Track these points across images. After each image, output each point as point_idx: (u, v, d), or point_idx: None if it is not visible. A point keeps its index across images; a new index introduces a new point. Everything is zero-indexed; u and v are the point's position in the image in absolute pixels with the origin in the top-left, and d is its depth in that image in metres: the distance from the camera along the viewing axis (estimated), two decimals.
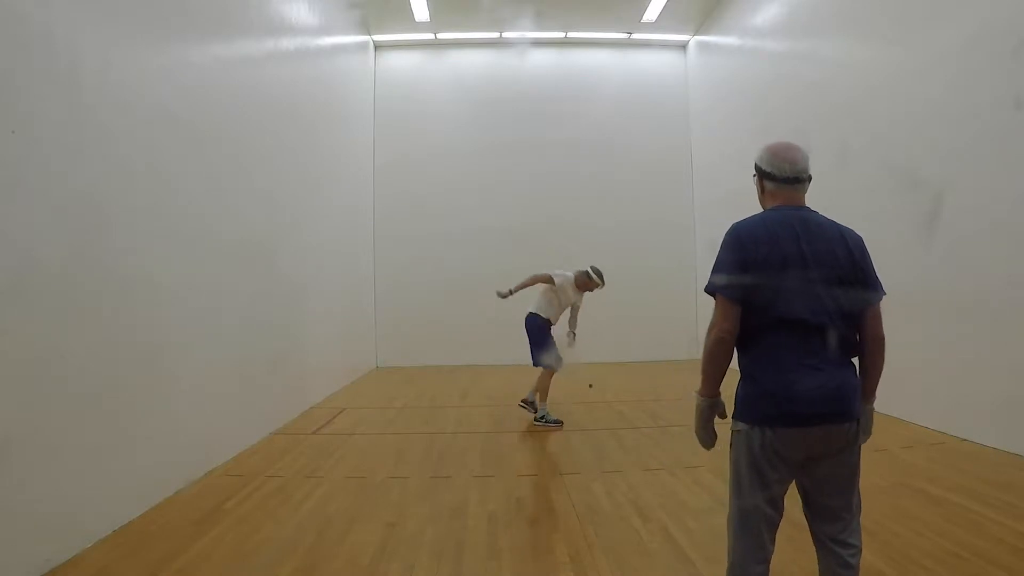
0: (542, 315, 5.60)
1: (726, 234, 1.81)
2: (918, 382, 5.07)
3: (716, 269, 1.77)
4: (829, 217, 1.86)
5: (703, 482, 3.70)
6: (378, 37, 10.39)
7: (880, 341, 1.79)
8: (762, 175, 1.90)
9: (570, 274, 5.71)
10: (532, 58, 10.69)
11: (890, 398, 5.35)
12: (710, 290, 1.76)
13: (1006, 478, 3.58)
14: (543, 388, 5.51)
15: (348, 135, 8.93)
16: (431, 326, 10.01)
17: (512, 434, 5.26)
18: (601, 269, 5.71)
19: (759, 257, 1.71)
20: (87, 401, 2.91)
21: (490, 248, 10.28)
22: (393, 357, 10.09)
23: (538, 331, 5.55)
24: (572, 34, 10.47)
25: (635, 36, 10.49)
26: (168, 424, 3.60)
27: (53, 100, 2.78)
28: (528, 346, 5.55)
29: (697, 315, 10.33)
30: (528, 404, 5.56)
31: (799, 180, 1.84)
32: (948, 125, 4.68)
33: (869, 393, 1.81)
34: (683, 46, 10.82)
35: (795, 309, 1.66)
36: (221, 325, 4.37)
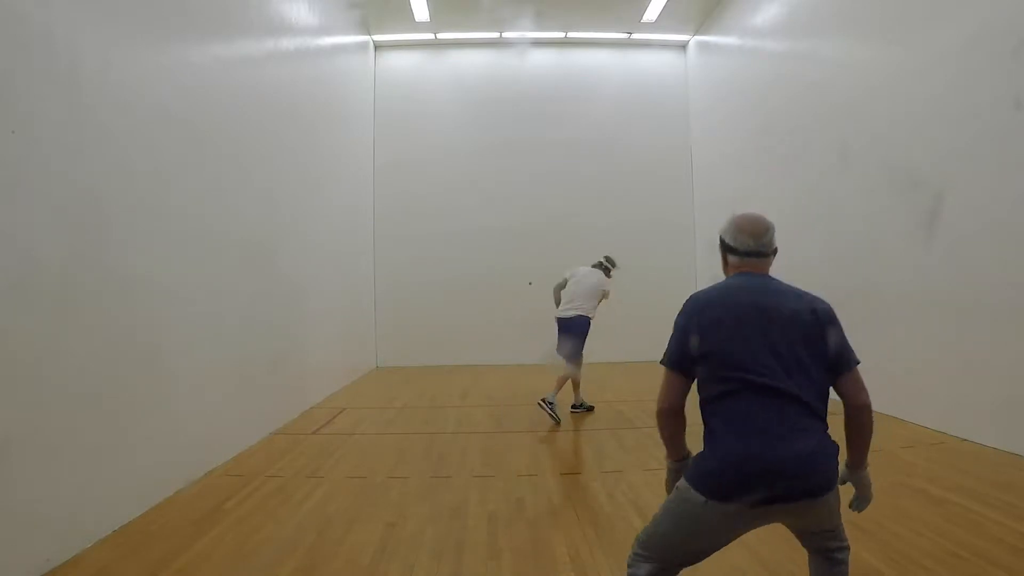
0: (591, 316, 5.85)
1: (684, 303, 1.77)
2: (918, 382, 5.07)
3: (669, 341, 1.72)
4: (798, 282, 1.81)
5: None
6: (378, 37, 10.39)
7: (864, 409, 1.66)
8: (725, 248, 1.84)
9: (597, 275, 6.02)
10: (532, 58, 10.69)
11: (890, 398, 5.40)
12: (663, 362, 1.72)
13: (1006, 478, 3.57)
14: (577, 381, 5.94)
15: (348, 135, 8.92)
16: (431, 326, 10.01)
17: (512, 434, 5.26)
18: (605, 257, 6.24)
19: (710, 321, 1.65)
20: (87, 401, 2.91)
21: (490, 248, 10.28)
22: (393, 357, 10.09)
23: (587, 333, 5.83)
24: (572, 34, 10.47)
25: (635, 36, 10.49)
26: (168, 424, 3.60)
27: (53, 100, 2.78)
28: (560, 342, 5.81)
29: None
30: (579, 407, 5.96)
31: (761, 254, 1.78)
32: (948, 125, 4.68)
33: (859, 461, 1.73)
34: (683, 46, 10.82)
35: (754, 373, 1.56)
36: (221, 325, 4.37)
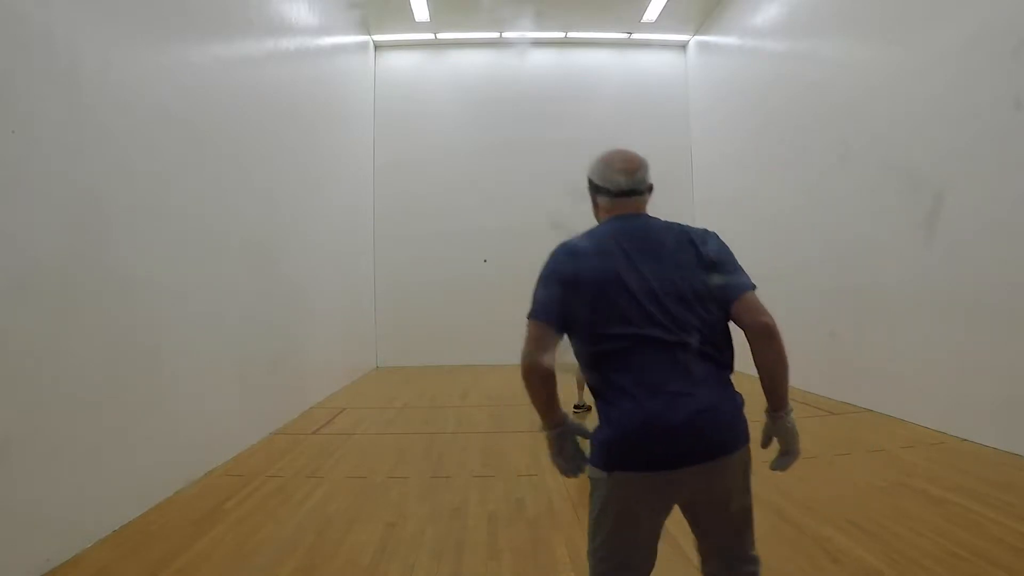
0: None
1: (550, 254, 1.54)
2: (918, 382, 5.07)
3: (533, 293, 1.49)
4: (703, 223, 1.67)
5: None
6: (378, 37, 10.39)
7: (767, 329, 1.43)
8: (594, 190, 1.64)
9: None
10: (532, 58, 10.70)
11: (890, 398, 5.40)
12: (528, 317, 1.47)
13: (1006, 478, 3.57)
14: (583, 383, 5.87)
15: (348, 135, 8.93)
16: (431, 326, 10.02)
17: (512, 434, 5.26)
18: None
19: (587, 273, 1.44)
20: (87, 401, 2.91)
21: (490, 248, 10.28)
22: (393, 357, 10.09)
23: None
24: (572, 34, 10.47)
25: (635, 36, 10.49)
26: (168, 424, 3.60)
27: (53, 100, 2.78)
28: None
29: None
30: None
31: (636, 192, 1.58)
32: (948, 125, 4.68)
33: (779, 403, 1.47)
34: (683, 46, 10.82)
35: (643, 326, 1.39)
36: (221, 325, 4.37)
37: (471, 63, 10.76)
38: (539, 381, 1.44)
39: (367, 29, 9.96)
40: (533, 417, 1.53)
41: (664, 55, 10.88)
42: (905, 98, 5.20)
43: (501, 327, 9.95)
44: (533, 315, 1.46)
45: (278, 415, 5.52)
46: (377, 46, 10.57)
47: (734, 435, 1.41)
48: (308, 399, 6.44)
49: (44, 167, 2.70)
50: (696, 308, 1.43)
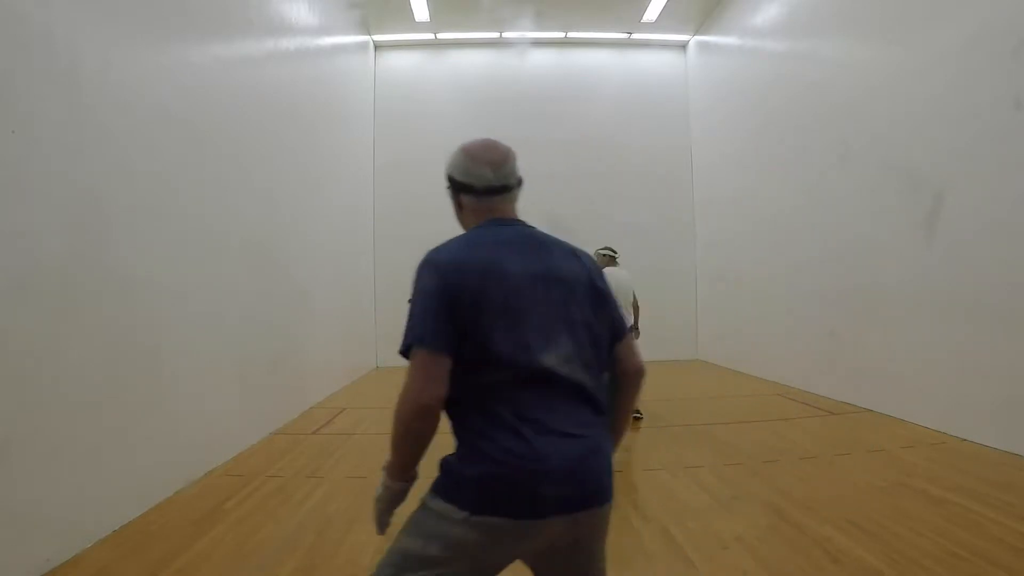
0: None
1: (419, 268, 1.31)
2: (918, 382, 5.07)
3: (411, 317, 1.26)
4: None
5: (703, 482, 3.70)
6: (378, 37, 10.39)
7: (642, 373, 1.41)
8: (457, 188, 1.44)
9: (625, 275, 5.73)
10: (532, 58, 10.70)
11: (890, 398, 5.40)
12: (403, 347, 1.24)
13: (1006, 478, 3.57)
14: None
15: (348, 135, 8.93)
16: None
17: None
18: (610, 248, 5.91)
19: (474, 289, 1.24)
20: (87, 401, 2.91)
21: None
22: (393, 357, 9.83)
23: None
24: (572, 34, 10.48)
25: (635, 36, 10.50)
26: (168, 424, 3.60)
27: (53, 100, 2.78)
28: None
29: (697, 315, 10.33)
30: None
31: (506, 188, 1.41)
32: (948, 125, 4.69)
33: (618, 444, 1.41)
34: (683, 46, 10.83)
35: (533, 356, 1.23)
36: (221, 325, 4.37)
37: (471, 63, 10.77)
38: (429, 425, 1.24)
39: (367, 29, 9.96)
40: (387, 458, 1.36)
41: (664, 55, 10.89)
42: (905, 98, 5.20)
43: None
44: (421, 342, 1.21)
45: (278, 415, 5.52)
46: (377, 46, 10.58)
47: (611, 483, 1.28)
48: (308, 399, 6.44)
49: (44, 167, 2.70)
50: (586, 342, 1.30)
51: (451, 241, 1.35)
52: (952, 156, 4.64)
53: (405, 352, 1.24)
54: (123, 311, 3.25)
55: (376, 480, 1.40)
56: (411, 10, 9.31)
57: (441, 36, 10.37)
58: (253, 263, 5.03)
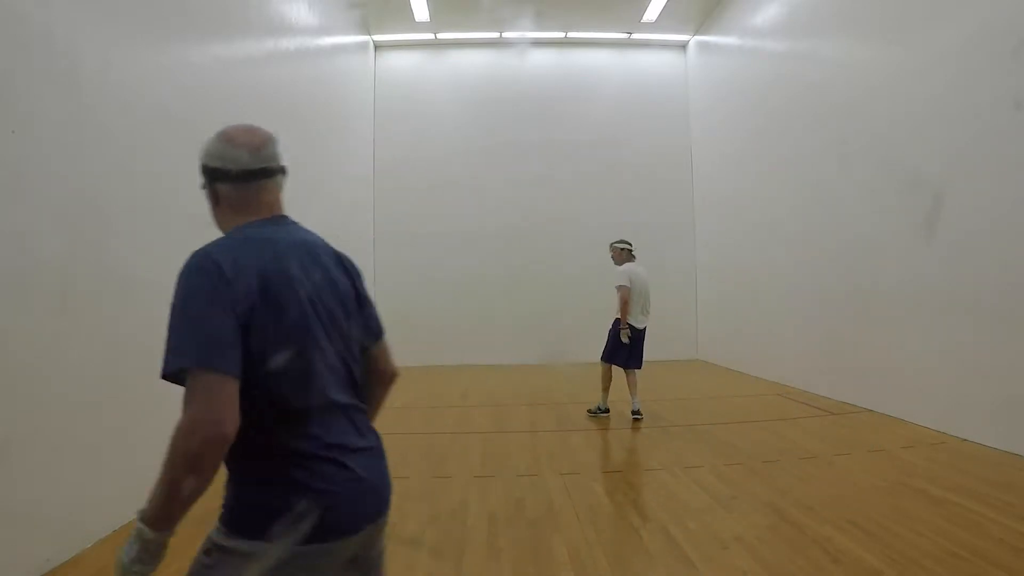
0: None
1: (191, 270, 1.15)
2: (918, 382, 5.08)
3: (184, 330, 1.07)
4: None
5: (703, 482, 3.70)
6: (378, 37, 10.39)
7: (395, 379, 1.40)
8: (212, 177, 1.26)
9: (623, 268, 5.78)
10: (532, 58, 10.70)
11: (890, 398, 5.40)
12: (175, 368, 1.08)
13: (1006, 478, 3.58)
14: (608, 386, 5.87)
15: (348, 135, 8.93)
16: (431, 326, 10.01)
17: (512, 434, 5.26)
18: (625, 240, 6.00)
19: (257, 301, 1.09)
20: (87, 401, 2.91)
21: (490, 248, 10.30)
22: (393, 357, 10.08)
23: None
24: (572, 34, 10.49)
25: (635, 36, 10.50)
26: (168, 424, 3.55)
27: (53, 100, 2.78)
28: (632, 352, 5.69)
29: (697, 316, 10.34)
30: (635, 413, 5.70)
31: (265, 172, 1.25)
32: (948, 125, 4.69)
33: None
34: (683, 46, 10.83)
35: (323, 371, 1.15)
36: None
37: (471, 63, 10.77)
38: (219, 460, 1.07)
39: (367, 29, 9.96)
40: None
41: (664, 55, 10.89)
42: (905, 98, 5.21)
43: (501, 327, 10.04)
44: (204, 362, 1.04)
45: None
46: (377, 46, 10.58)
47: (391, 491, 1.29)
48: None
49: (44, 167, 2.70)
50: (354, 350, 1.26)
51: (223, 240, 1.19)
52: (952, 156, 4.64)
53: (174, 375, 1.08)
54: (123, 311, 3.24)
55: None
56: (411, 10, 9.32)
57: (441, 36, 10.38)
58: None
